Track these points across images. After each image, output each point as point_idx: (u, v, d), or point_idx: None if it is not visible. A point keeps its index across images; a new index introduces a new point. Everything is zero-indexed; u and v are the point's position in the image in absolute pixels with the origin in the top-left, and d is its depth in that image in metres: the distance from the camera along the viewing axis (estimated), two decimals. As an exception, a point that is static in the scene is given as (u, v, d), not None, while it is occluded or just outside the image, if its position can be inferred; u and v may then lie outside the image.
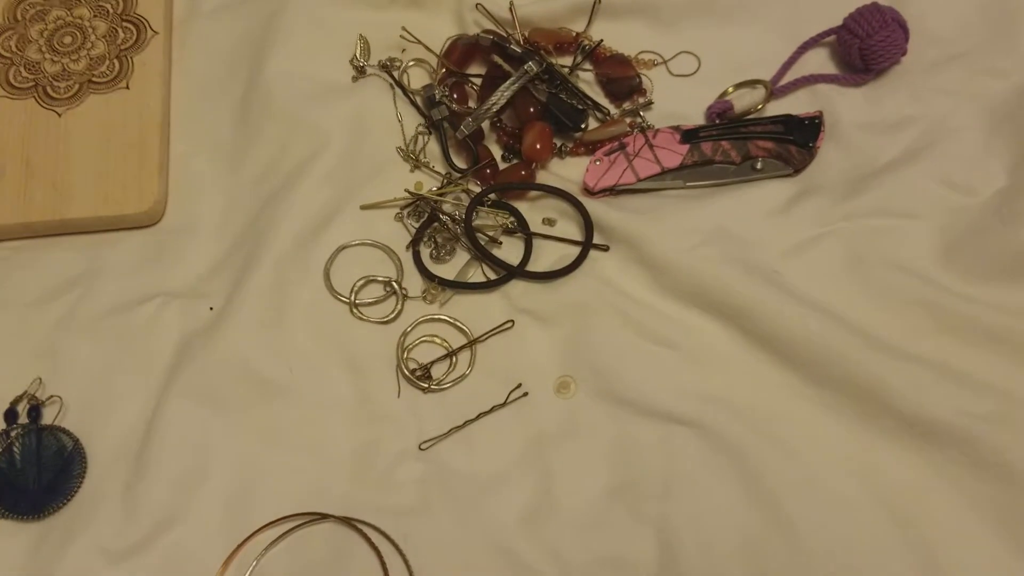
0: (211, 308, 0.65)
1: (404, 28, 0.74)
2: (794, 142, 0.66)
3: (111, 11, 0.76)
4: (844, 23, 0.69)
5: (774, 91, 0.70)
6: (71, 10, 0.76)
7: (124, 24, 0.75)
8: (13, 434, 0.62)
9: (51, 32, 0.75)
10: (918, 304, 0.61)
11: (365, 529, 0.58)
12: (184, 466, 0.60)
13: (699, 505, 0.58)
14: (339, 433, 0.61)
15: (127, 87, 0.72)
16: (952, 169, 0.65)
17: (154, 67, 0.73)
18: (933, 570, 0.56)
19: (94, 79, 0.73)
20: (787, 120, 0.67)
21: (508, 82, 0.69)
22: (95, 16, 0.75)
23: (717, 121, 0.69)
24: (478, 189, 0.69)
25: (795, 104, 0.70)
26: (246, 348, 0.63)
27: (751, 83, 0.70)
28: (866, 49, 0.67)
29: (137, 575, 0.57)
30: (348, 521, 0.58)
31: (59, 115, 0.71)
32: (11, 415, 0.62)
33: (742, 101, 0.70)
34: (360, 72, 0.73)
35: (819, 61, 0.71)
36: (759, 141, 0.66)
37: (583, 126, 0.70)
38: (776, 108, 0.70)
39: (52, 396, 0.63)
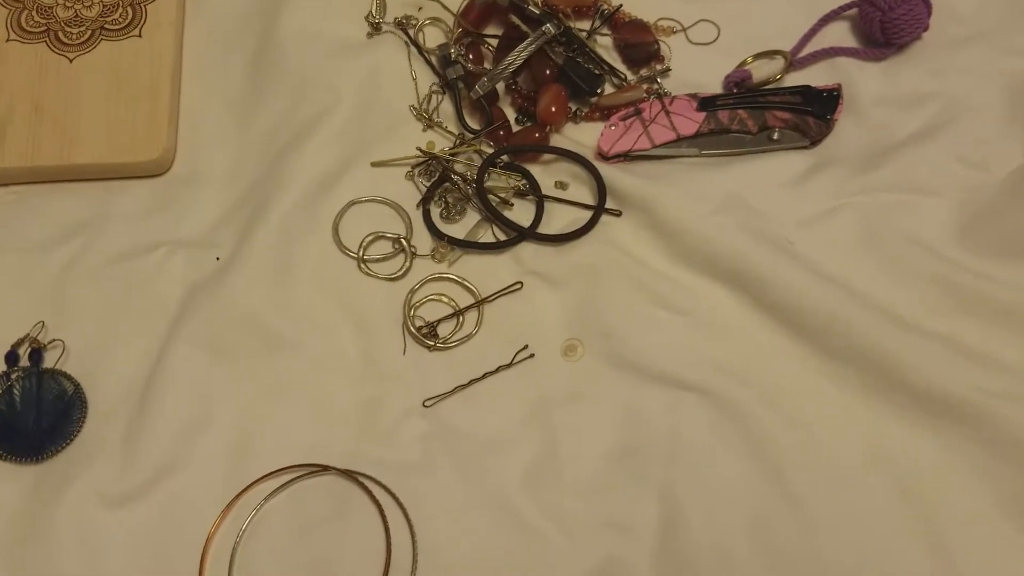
0: (217, 258, 0.65)
1: (422, -14, 0.73)
2: (812, 114, 0.65)
3: (126, -41, 0.75)
4: (867, -4, 0.68)
5: (793, 62, 0.69)
6: (85, -44, 0.75)
7: (139, -28, 0.74)
8: (14, 376, 0.61)
9: (65, -23, 0.74)
10: (932, 280, 0.61)
11: (367, 482, 0.58)
12: (186, 414, 0.60)
13: (704, 473, 0.58)
14: (343, 387, 0.61)
15: (139, 35, 0.72)
16: (969, 147, 0.65)
17: (167, 16, 0.72)
18: (941, 547, 0.55)
19: (107, 26, 0.72)
20: (805, 91, 0.66)
21: (524, 43, 0.68)
22: (109, -37, 0.75)
23: (735, 90, 0.69)
24: (491, 150, 0.68)
25: (814, 76, 0.69)
26: (252, 299, 0.63)
27: (770, 54, 0.70)
28: (888, 23, 0.67)
29: (135, 521, 0.57)
30: (349, 474, 0.58)
31: (70, 61, 0.71)
32: (12, 358, 0.62)
33: (761, 71, 0.69)
34: (375, 29, 0.73)
35: (840, 34, 0.71)
36: (777, 111, 0.66)
37: (599, 91, 0.69)
38: (795, 79, 0.69)
39: (55, 340, 0.62)
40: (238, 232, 0.65)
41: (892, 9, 0.66)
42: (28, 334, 0.62)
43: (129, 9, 0.73)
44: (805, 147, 0.66)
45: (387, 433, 0.60)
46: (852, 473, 0.57)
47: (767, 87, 0.69)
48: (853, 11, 0.70)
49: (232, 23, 0.74)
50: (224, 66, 0.72)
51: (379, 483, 0.58)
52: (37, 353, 0.62)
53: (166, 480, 0.58)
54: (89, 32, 0.72)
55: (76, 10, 0.73)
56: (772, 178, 0.65)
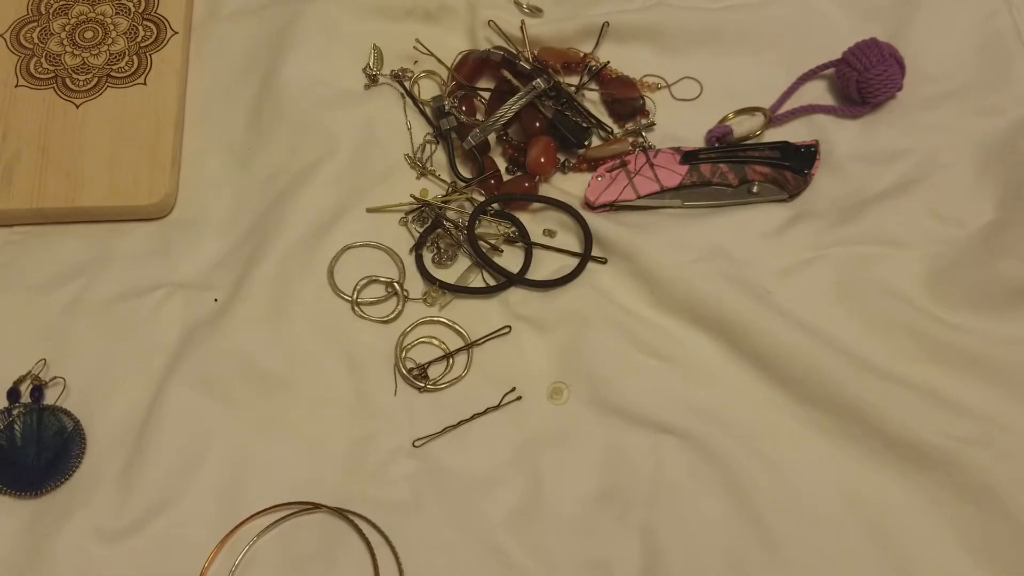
0: (216, 300, 0.67)
1: (417, 40, 0.76)
2: (790, 168, 0.68)
3: (133, 9, 0.78)
4: (843, 56, 0.71)
5: (773, 119, 0.72)
6: (94, 6, 0.78)
7: (145, 23, 0.77)
8: (15, 412, 0.63)
9: (73, 26, 0.77)
10: (905, 329, 0.63)
11: (357, 521, 0.59)
12: (181, 452, 0.61)
13: (684, 515, 0.60)
14: (335, 427, 0.62)
15: (144, 83, 0.74)
16: (942, 202, 0.68)
17: (172, 65, 0.75)
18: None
19: (113, 74, 0.75)
20: (784, 147, 0.69)
21: (516, 97, 0.71)
22: (117, 13, 0.77)
23: (716, 145, 0.71)
24: (482, 199, 0.71)
25: (793, 132, 0.72)
26: (248, 340, 0.65)
27: (751, 110, 0.73)
28: (863, 83, 0.70)
29: (130, 556, 0.58)
30: (340, 512, 0.59)
31: (77, 106, 0.73)
32: (14, 394, 0.63)
33: (741, 127, 0.72)
34: (372, 80, 0.75)
35: (818, 92, 0.74)
36: (756, 166, 0.68)
37: (586, 143, 0.72)
38: (774, 135, 0.72)
39: (56, 378, 0.64)
40: (236, 274, 0.68)
41: (868, 70, 0.69)
42: (30, 371, 0.64)
43: (135, 58, 0.75)
44: (784, 200, 0.69)
45: (378, 472, 0.61)
46: (827, 517, 0.59)
47: (747, 142, 0.71)
48: (830, 71, 0.73)
49: (234, 72, 0.76)
50: (226, 114, 0.75)
51: (369, 521, 0.59)
52: (38, 390, 0.63)
53: (161, 516, 0.59)
54: (96, 79, 0.74)
55: (84, 58, 0.75)
56: (752, 229, 0.67)
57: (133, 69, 0.75)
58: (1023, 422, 0.60)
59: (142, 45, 0.76)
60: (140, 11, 0.78)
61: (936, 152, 0.70)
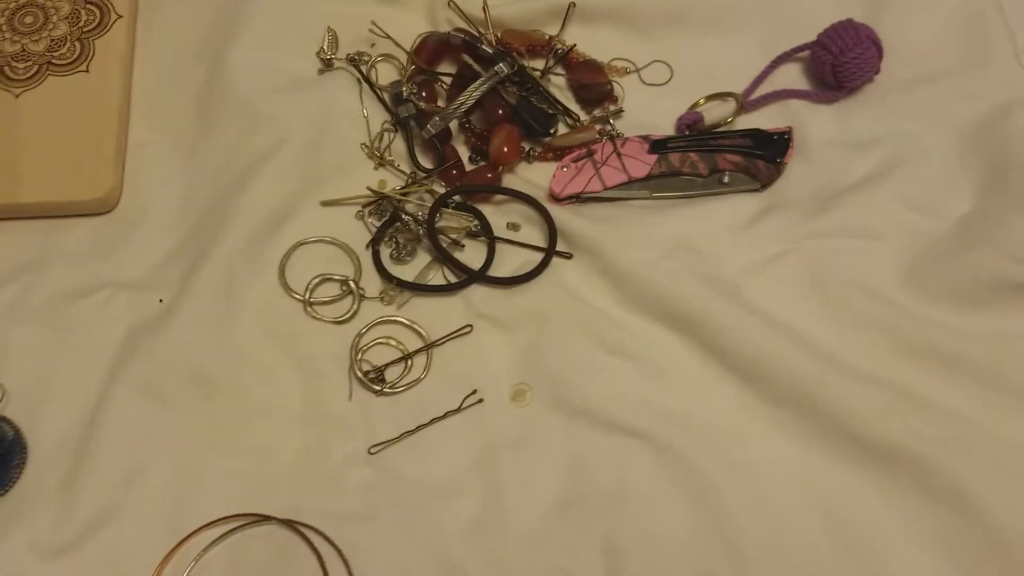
0: (161, 301, 0.64)
1: (374, 22, 0.72)
2: (762, 157, 0.65)
3: (75, -8, 0.74)
4: (818, 39, 0.68)
5: (745, 105, 0.69)
6: (34, -11, 0.74)
7: (88, 6, 0.73)
8: (-50, 422, 0.60)
9: (12, 11, 0.73)
10: (877, 326, 0.61)
11: (307, 532, 0.57)
12: (125, 462, 0.59)
13: (648, 523, 0.57)
14: (286, 434, 0.60)
15: (87, 70, 0.71)
16: (918, 192, 0.65)
17: (116, 51, 0.72)
18: (882, 597, 0.55)
19: (54, 61, 0.71)
20: (756, 134, 0.66)
21: (477, 83, 0.68)
22: (58, -4, 0.74)
23: (687, 132, 0.68)
24: (443, 190, 0.68)
25: (766, 118, 0.69)
26: (194, 343, 0.62)
27: (722, 95, 0.70)
28: (839, 66, 0.67)
29: (70, 572, 0.56)
30: (290, 524, 0.57)
31: (15, 96, 0.70)
32: (-51, 403, 0.61)
33: (712, 113, 0.69)
34: (327, 65, 0.72)
35: (792, 76, 0.71)
36: (727, 154, 0.66)
37: (552, 131, 0.69)
38: (746, 122, 0.69)
39: (-7, 384, 0.61)
40: (182, 273, 0.65)
41: (844, 53, 0.66)
42: (-34, 378, 0.61)
43: (77, 44, 0.72)
44: (755, 190, 0.66)
45: (330, 481, 0.59)
46: (795, 522, 0.57)
47: (719, 129, 0.68)
48: (805, 54, 0.70)
49: (181, 58, 0.73)
50: (173, 101, 0.72)
51: (320, 533, 0.57)
52: (-25, 398, 0.61)
53: (104, 530, 0.57)
54: (36, 67, 0.71)
55: (23, 44, 0.72)
56: (722, 222, 0.65)
57: (75, 56, 0.71)
58: (995, 421, 0.58)
59: (85, 30, 0.72)
60: (83, -7, 0.74)
61: (914, 139, 0.67)
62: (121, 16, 0.73)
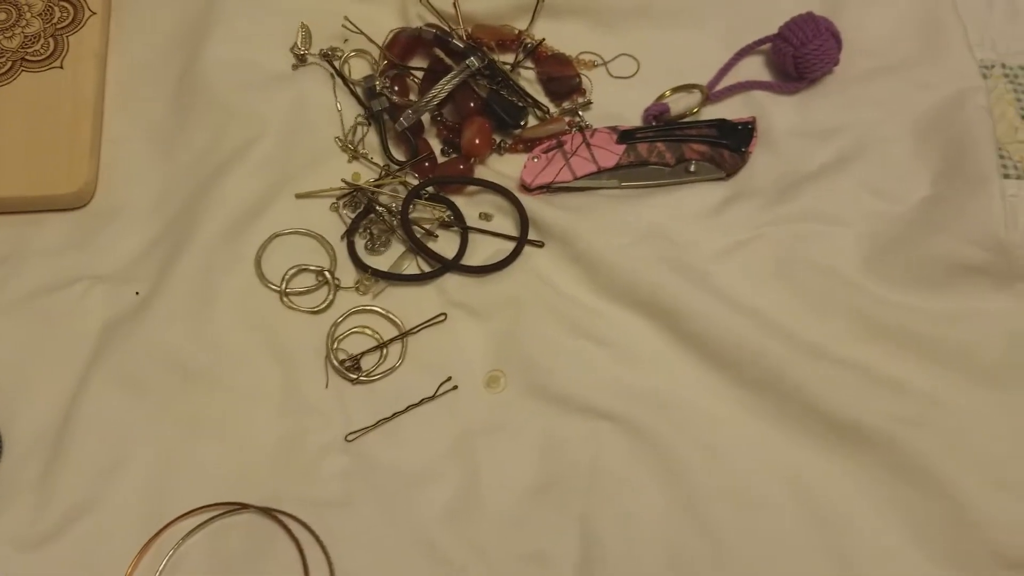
0: (137, 293, 0.64)
1: (346, 18, 0.73)
2: (727, 146, 0.67)
3: (48, -11, 0.74)
4: (779, 32, 0.70)
5: (710, 96, 0.71)
6: (6, -14, 0.74)
7: (61, 3, 0.74)
8: (-74, 416, 0.60)
9: (-16, 8, 0.73)
10: (843, 308, 0.63)
11: (286, 520, 0.58)
12: (102, 453, 0.59)
13: (622, 504, 0.59)
14: (263, 423, 0.61)
15: (61, 66, 0.71)
16: (879, 177, 0.67)
17: (90, 47, 0.72)
18: (853, 574, 0.57)
19: (28, 57, 0.71)
20: (721, 124, 0.68)
21: (449, 76, 0.69)
22: (31, -7, 0.74)
23: (654, 123, 0.70)
24: (416, 182, 0.69)
25: (730, 109, 0.71)
26: (171, 335, 0.62)
27: (688, 87, 0.71)
28: (800, 58, 0.69)
29: (49, 563, 0.56)
30: (269, 512, 0.58)
31: (-11, 92, 0.70)
32: (-75, 397, 0.61)
33: (678, 104, 0.70)
34: (300, 60, 0.73)
35: (755, 68, 0.72)
36: (693, 144, 0.67)
37: (522, 123, 0.70)
38: (711, 112, 0.71)
39: (-31, 378, 0.62)
40: (159, 266, 0.65)
41: (804, 45, 0.68)
42: (-58, 372, 0.61)
43: (51, 40, 0.72)
44: (721, 179, 0.68)
45: (308, 469, 0.60)
46: (767, 501, 0.59)
47: (685, 120, 0.70)
48: (768, 46, 0.72)
49: (156, 53, 0.73)
50: (148, 96, 0.72)
51: (299, 520, 0.58)
52: (-49, 392, 0.61)
53: (82, 520, 0.57)
54: (9, 63, 0.71)
55: (-5, 41, 0.72)
56: (689, 209, 0.66)
57: (49, 52, 0.72)
58: (961, 399, 0.60)
59: (58, 27, 0.73)
60: (56, -9, 0.74)
61: (873, 127, 0.69)
62: (95, 13, 0.73)
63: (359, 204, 0.68)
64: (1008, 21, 0.75)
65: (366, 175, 0.69)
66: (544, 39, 0.73)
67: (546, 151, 0.68)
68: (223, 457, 0.60)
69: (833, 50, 0.69)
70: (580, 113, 0.71)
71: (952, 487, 0.57)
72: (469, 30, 0.73)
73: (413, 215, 0.67)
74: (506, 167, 0.70)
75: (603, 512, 0.58)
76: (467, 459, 0.60)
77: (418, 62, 0.73)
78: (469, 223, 0.67)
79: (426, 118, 0.71)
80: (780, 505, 0.59)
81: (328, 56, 0.73)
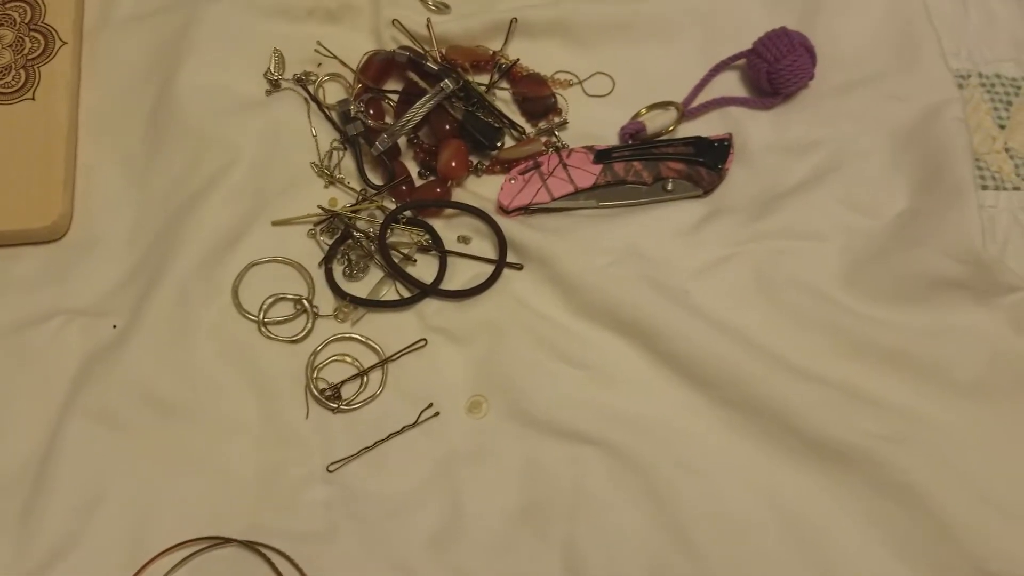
0: (114, 326, 0.64)
1: (319, 43, 0.73)
2: (704, 164, 0.67)
3: (18, 20, 0.74)
4: (753, 47, 0.70)
5: (686, 113, 0.71)
6: (-25, 18, 0.74)
7: (32, 33, 0.73)
8: (-98, 457, 0.59)
9: (-46, 40, 0.73)
10: (823, 325, 0.63)
11: (269, 553, 0.57)
12: (82, 490, 0.59)
13: (606, 527, 0.59)
14: (244, 456, 0.60)
15: (33, 98, 0.71)
16: (856, 192, 0.67)
17: (62, 78, 0.71)
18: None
19: (-2, 89, 0.71)
20: (697, 142, 0.68)
21: (424, 99, 0.69)
22: (1, 25, 0.73)
23: (630, 142, 0.70)
24: (393, 206, 0.68)
25: (706, 126, 0.71)
26: (149, 368, 0.62)
27: (663, 104, 0.71)
28: (774, 73, 0.69)
29: (30, 604, 0.56)
30: (251, 545, 0.57)
31: (-40, 126, 0.69)
32: (-99, 437, 0.60)
33: (654, 122, 0.70)
34: (274, 86, 0.72)
35: (730, 84, 0.72)
36: (670, 162, 0.67)
37: (499, 144, 0.70)
38: (688, 130, 0.71)
39: (-54, 417, 0.61)
40: (135, 298, 0.65)
41: (778, 60, 0.68)
42: (-82, 412, 0.61)
43: (22, 72, 0.71)
44: (699, 196, 0.68)
45: (290, 501, 0.59)
46: (749, 521, 0.59)
47: (661, 138, 0.70)
48: (742, 61, 0.72)
49: (129, 82, 0.73)
50: (121, 126, 0.71)
51: (281, 553, 0.57)
52: (-73, 432, 0.60)
53: (64, 559, 0.57)
54: (-20, 96, 0.70)
55: (-34, 73, 0.71)
56: (667, 228, 0.66)
57: (20, 84, 0.71)
58: (940, 415, 0.60)
59: (29, 58, 0.72)
60: (26, 21, 0.74)
61: (849, 141, 0.69)
62: (66, 43, 0.73)
63: (336, 230, 0.68)
64: (984, 29, 0.75)
65: (343, 200, 0.69)
66: (519, 59, 0.72)
67: (523, 172, 0.68)
68: (204, 490, 0.59)
69: (807, 65, 0.69)
70: (556, 133, 0.71)
71: (933, 503, 0.57)
72: (443, 52, 0.73)
73: (391, 240, 0.67)
74: (484, 189, 0.70)
75: (586, 534, 0.58)
76: (450, 486, 0.60)
77: (393, 85, 0.73)
78: (448, 247, 0.67)
79: (402, 141, 0.71)
80: (763, 524, 0.59)
81: (302, 81, 0.72)
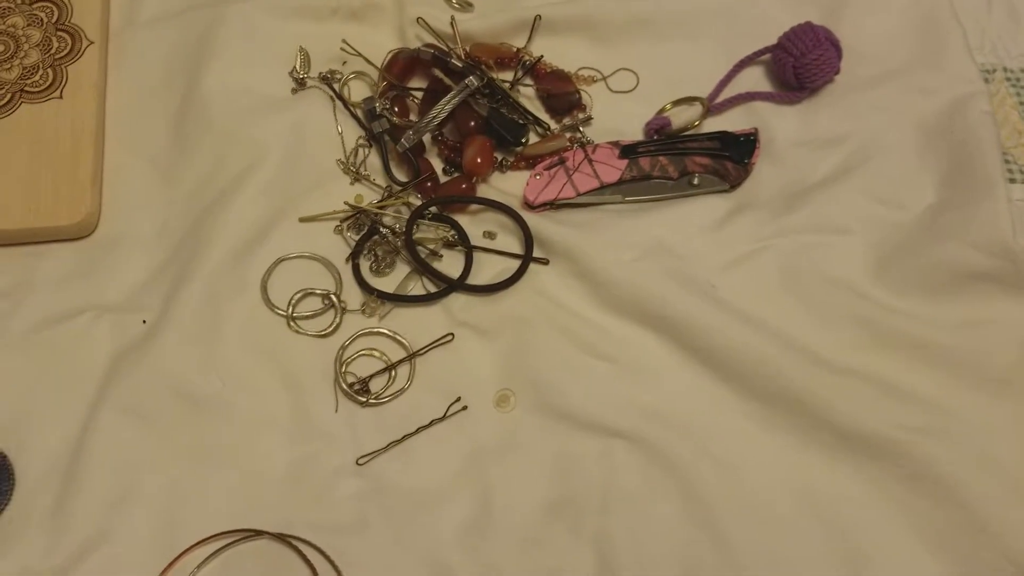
0: (144, 321, 0.64)
1: (344, 41, 0.73)
2: (730, 158, 0.67)
3: (46, 20, 0.74)
4: (779, 42, 0.70)
5: (711, 108, 0.71)
6: (4, 18, 0.74)
7: (59, 33, 0.74)
8: (-64, 452, 0.60)
9: (-18, 40, 0.73)
10: (851, 319, 0.63)
11: (300, 546, 0.57)
12: (114, 484, 0.59)
13: (637, 520, 0.59)
14: (274, 449, 0.60)
15: (61, 97, 0.71)
16: (884, 185, 0.67)
17: (89, 77, 0.72)
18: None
19: (27, 88, 0.71)
20: (723, 136, 0.68)
21: (449, 96, 0.69)
22: (29, 25, 0.74)
23: (655, 137, 0.70)
24: (419, 202, 0.69)
25: (731, 121, 0.71)
26: (179, 363, 0.62)
27: (688, 100, 0.71)
28: (800, 68, 0.69)
29: (63, 596, 0.56)
30: (283, 538, 0.58)
31: (-11, 124, 0.70)
32: (-66, 432, 0.61)
33: (679, 118, 0.70)
34: (300, 84, 0.73)
35: (755, 79, 0.72)
36: (696, 157, 0.67)
37: (523, 140, 0.70)
38: (713, 125, 0.71)
39: (-22, 412, 0.61)
40: (164, 294, 0.65)
41: (804, 55, 0.68)
42: (-49, 407, 0.61)
43: (50, 71, 0.72)
44: (725, 191, 0.68)
45: (320, 493, 0.59)
46: (781, 514, 0.58)
47: (686, 133, 0.70)
48: (767, 56, 0.72)
49: (155, 81, 0.73)
50: (148, 125, 0.72)
51: (313, 545, 0.58)
52: (-40, 427, 0.61)
53: (96, 552, 0.57)
54: (9, 95, 0.71)
55: (-5, 73, 0.72)
56: (694, 223, 0.66)
57: (48, 83, 0.72)
58: (971, 407, 0.60)
59: (57, 57, 0.73)
60: (53, 22, 0.74)
61: (876, 135, 0.69)
62: (93, 42, 0.73)
63: (363, 226, 0.68)
64: (1007, 24, 0.75)
65: (369, 197, 0.69)
66: (543, 56, 0.73)
67: (548, 168, 0.68)
68: (235, 484, 0.59)
69: (833, 59, 0.69)
70: (581, 129, 0.71)
71: (965, 495, 0.57)
72: (467, 49, 0.73)
73: (417, 235, 0.67)
74: (509, 185, 0.70)
75: (616, 528, 0.58)
76: (479, 479, 0.60)
77: (417, 82, 0.74)
78: (473, 242, 0.67)
79: (427, 138, 0.71)
80: (794, 517, 0.58)
81: (327, 79, 0.73)
